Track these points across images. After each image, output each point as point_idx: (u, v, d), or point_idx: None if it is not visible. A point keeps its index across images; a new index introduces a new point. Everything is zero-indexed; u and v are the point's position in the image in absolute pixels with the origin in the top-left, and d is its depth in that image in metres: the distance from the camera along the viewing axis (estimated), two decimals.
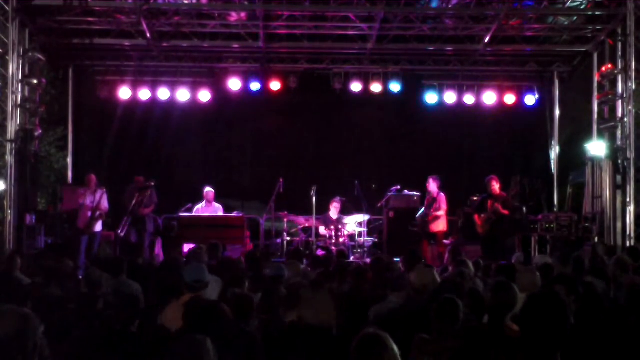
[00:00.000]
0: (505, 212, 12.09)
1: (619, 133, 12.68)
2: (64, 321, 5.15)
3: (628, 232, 12.17)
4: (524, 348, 3.09)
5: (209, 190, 13.48)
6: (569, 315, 3.07)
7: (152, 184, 12.67)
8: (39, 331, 3.05)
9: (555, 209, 14.74)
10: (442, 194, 12.82)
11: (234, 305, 4.77)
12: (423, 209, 12.94)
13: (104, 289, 6.00)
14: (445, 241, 12.88)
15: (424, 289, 5.66)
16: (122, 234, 12.27)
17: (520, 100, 15.23)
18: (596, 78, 13.51)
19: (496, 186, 12.29)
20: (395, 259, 8.99)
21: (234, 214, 13.69)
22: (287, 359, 4.39)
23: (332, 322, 4.48)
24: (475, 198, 13.06)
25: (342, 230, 13.34)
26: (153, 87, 14.89)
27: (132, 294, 5.65)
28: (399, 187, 13.74)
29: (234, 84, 14.71)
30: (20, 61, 12.25)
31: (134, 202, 12.36)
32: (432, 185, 12.87)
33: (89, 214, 12.19)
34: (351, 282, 6.96)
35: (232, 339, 4.28)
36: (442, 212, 12.72)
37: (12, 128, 12.02)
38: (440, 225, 12.79)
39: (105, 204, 12.50)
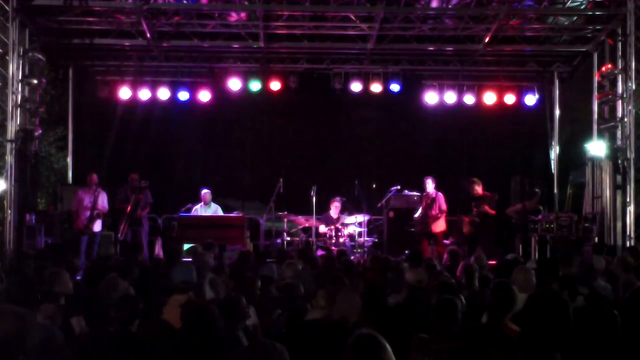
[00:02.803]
0: (493, 212, 12.23)
1: (619, 133, 12.67)
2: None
3: (628, 232, 12.17)
4: (524, 348, 3.08)
5: (205, 191, 13.48)
6: (570, 316, 3.06)
7: (147, 184, 12.67)
8: (37, 330, 3.05)
9: (555, 209, 14.74)
10: (440, 193, 12.87)
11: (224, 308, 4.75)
12: (420, 209, 12.97)
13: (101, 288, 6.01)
14: (445, 241, 12.91)
15: (419, 285, 5.68)
16: (122, 237, 12.31)
17: (520, 100, 15.23)
18: (596, 78, 13.50)
19: (478, 189, 12.45)
20: (394, 259, 8.99)
21: (234, 214, 13.68)
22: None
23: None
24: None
25: (342, 230, 13.34)
26: (153, 87, 14.89)
27: (131, 293, 5.65)
28: (399, 187, 13.74)
29: (234, 84, 14.70)
30: (20, 61, 12.23)
31: (130, 204, 12.37)
32: (430, 186, 12.91)
33: (87, 214, 12.21)
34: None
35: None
36: (442, 212, 12.76)
37: (12, 128, 12.01)
38: (440, 226, 12.84)
39: (104, 204, 12.52)
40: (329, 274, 7.14)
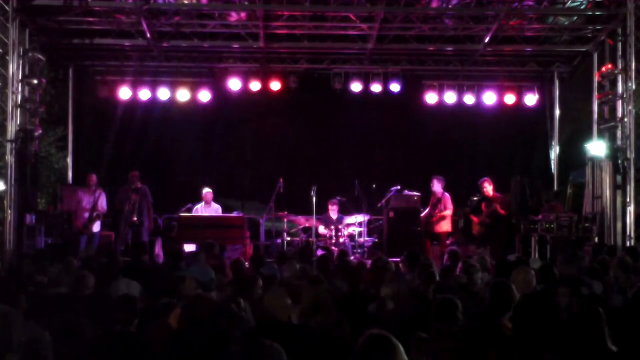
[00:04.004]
0: (503, 212, 12.17)
1: (619, 133, 12.67)
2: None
3: (628, 232, 12.17)
4: (516, 346, 3.08)
5: (207, 191, 13.48)
6: (560, 316, 3.05)
7: (142, 186, 12.62)
8: (21, 327, 3.03)
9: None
10: (446, 194, 12.85)
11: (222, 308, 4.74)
12: (427, 209, 12.95)
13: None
14: (448, 242, 12.89)
15: (396, 298, 5.59)
16: (121, 238, 12.29)
17: (520, 100, 15.22)
18: (596, 78, 13.50)
19: (489, 188, 12.41)
20: (394, 259, 8.98)
21: (234, 214, 13.68)
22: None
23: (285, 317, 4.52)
24: (475, 198, 13.10)
25: (342, 230, 13.33)
26: (153, 87, 14.87)
27: (130, 293, 5.65)
28: (399, 187, 13.72)
29: (234, 84, 14.70)
30: (20, 61, 12.24)
31: (128, 206, 12.32)
32: (437, 186, 12.87)
33: (87, 214, 12.21)
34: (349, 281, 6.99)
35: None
36: (448, 212, 12.75)
37: (12, 128, 12.02)
38: (444, 226, 12.83)
39: (103, 204, 12.51)
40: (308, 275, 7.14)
